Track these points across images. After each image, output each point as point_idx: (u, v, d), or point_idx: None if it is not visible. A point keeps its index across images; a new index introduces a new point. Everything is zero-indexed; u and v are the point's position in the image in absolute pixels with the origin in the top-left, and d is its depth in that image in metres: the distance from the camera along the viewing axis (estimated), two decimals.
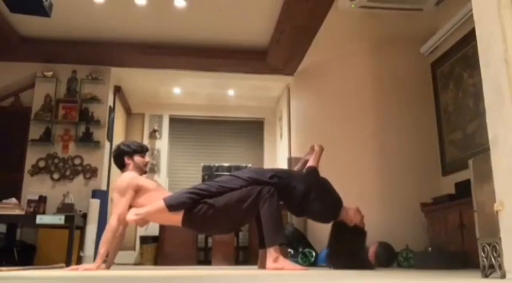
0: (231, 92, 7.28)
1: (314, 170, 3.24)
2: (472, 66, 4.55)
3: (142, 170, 3.25)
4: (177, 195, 3.10)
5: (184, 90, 7.23)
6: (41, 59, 5.91)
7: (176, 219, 3.05)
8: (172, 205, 3.00)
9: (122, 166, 3.25)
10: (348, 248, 3.15)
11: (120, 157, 3.25)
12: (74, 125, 5.84)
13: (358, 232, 3.19)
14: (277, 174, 3.19)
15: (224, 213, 3.04)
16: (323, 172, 3.27)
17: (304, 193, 3.13)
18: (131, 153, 3.23)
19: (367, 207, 3.36)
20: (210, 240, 5.89)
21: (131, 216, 3.00)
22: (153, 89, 7.15)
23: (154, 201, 3.03)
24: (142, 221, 3.09)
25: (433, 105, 5.34)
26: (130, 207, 3.07)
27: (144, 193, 3.09)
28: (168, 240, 5.37)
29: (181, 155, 7.59)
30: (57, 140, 5.77)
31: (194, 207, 3.03)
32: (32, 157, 5.68)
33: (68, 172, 5.70)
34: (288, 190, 3.14)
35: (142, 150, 3.29)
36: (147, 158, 3.32)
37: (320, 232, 5.02)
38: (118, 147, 3.31)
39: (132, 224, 3.09)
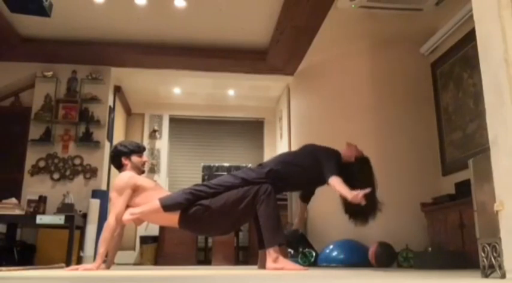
0: (231, 92, 7.28)
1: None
2: (472, 66, 4.55)
3: (140, 170, 3.25)
4: (173, 195, 3.09)
5: (184, 90, 7.23)
6: (41, 59, 5.91)
7: (172, 219, 3.03)
8: (167, 206, 2.98)
9: (120, 167, 3.25)
10: (361, 182, 3.07)
11: (117, 158, 3.24)
12: (74, 125, 5.84)
13: (362, 160, 3.27)
14: (273, 167, 3.17)
15: (220, 214, 3.02)
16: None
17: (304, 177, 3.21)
18: (128, 154, 3.22)
19: None
20: (210, 240, 5.89)
21: (126, 215, 3.00)
22: (153, 89, 7.15)
23: (152, 200, 3.03)
24: (138, 220, 3.09)
25: (433, 105, 5.34)
26: (128, 206, 3.07)
27: (142, 193, 3.08)
28: (168, 240, 5.37)
29: (181, 155, 7.59)
30: (57, 140, 5.78)
31: (190, 208, 3.01)
32: (32, 157, 5.68)
33: (68, 172, 5.70)
34: (285, 178, 3.18)
35: (139, 150, 3.29)
36: (145, 158, 3.32)
37: (320, 232, 5.03)
38: (115, 147, 3.30)
39: (129, 223, 3.09)
